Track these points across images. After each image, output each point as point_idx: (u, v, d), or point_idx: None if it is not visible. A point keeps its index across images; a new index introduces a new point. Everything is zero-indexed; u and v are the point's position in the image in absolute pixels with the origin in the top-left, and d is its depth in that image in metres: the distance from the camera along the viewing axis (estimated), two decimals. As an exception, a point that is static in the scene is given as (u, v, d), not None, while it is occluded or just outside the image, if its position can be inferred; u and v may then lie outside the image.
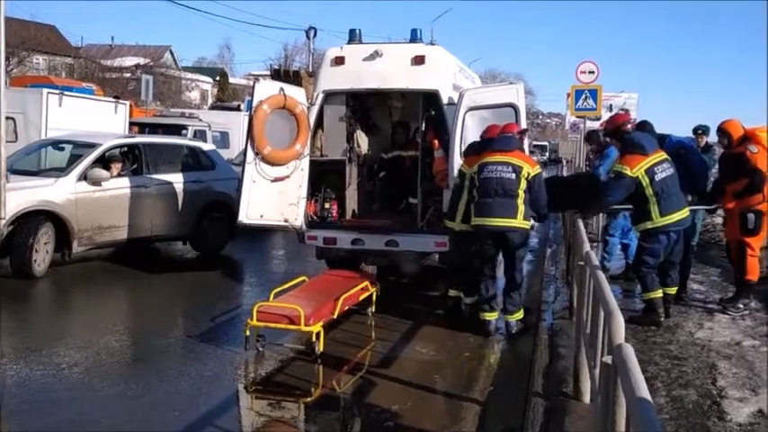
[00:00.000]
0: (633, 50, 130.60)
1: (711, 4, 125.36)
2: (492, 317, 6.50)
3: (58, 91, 12.07)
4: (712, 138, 8.23)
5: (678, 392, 4.60)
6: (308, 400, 5.08)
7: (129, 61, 41.04)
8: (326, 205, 8.15)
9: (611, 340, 2.80)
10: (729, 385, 4.74)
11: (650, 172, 6.06)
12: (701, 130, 8.69)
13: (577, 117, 18.53)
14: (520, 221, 6.31)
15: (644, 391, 1.94)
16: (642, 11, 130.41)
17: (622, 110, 20.00)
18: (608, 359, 2.59)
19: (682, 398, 4.51)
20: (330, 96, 8.04)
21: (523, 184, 6.31)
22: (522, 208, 6.31)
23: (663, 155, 6.22)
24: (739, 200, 6.58)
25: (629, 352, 2.23)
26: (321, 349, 5.63)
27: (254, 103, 7.42)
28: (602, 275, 3.77)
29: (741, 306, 6.60)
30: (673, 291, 6.49)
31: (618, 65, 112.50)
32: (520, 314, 6.54)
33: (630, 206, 6.44)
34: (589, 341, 3.97)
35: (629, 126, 6.76)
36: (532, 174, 6.39)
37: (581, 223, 6.19)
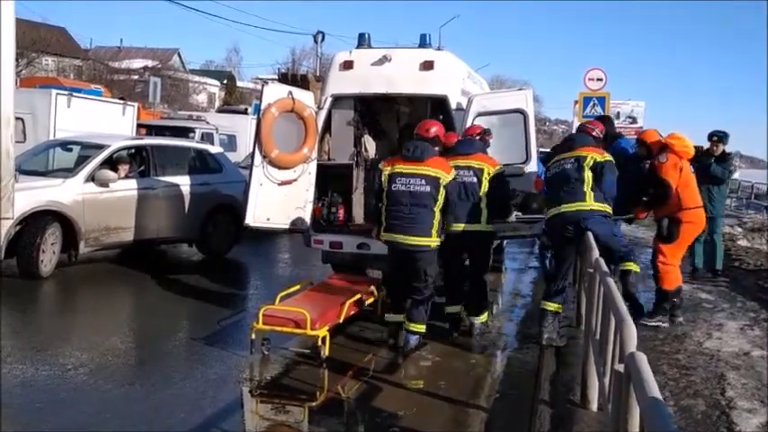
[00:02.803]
0: (641, 59, 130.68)
1: (718, 11, 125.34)
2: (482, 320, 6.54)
3: (66, 92, 12.12)
4: (735, 146, 8.16)
5: (687, 402, 4.57)
6: (313, 404, 5.06)
7: (137, 63, 41.29)
8: (333, 209, 8.13)
9: (623, 348, 2.78)
10: (738, 396, 4.71)
11: None
12: (715, 137, 8.41)
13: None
14: (483, 225, 6.29)
15: (659, 399, 1.92)
16: (649, 19, 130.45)
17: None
18: (620, 367, 2.57)
19: (690, 408, 4.48)
20: (338, 100, 8.04)
21: (485, 186, 6.30)
22: (485, 212, 6.29)
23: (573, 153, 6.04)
24: (649, 209, 6.52)
25: (643, 360, 2.21)
26: (326, 353, 5.61)
27: (263, 106, 7.42)
28: (612, 283, 3.75)
29: (655, 321, 6.40)
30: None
31: (625, 73, 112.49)
32: (484, 317, 6.55)
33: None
34: (598, 349, 3.94)
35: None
36: (493, 173, 6.35)
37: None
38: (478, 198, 6.26)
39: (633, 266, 6.13)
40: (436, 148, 6.14)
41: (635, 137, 8.28)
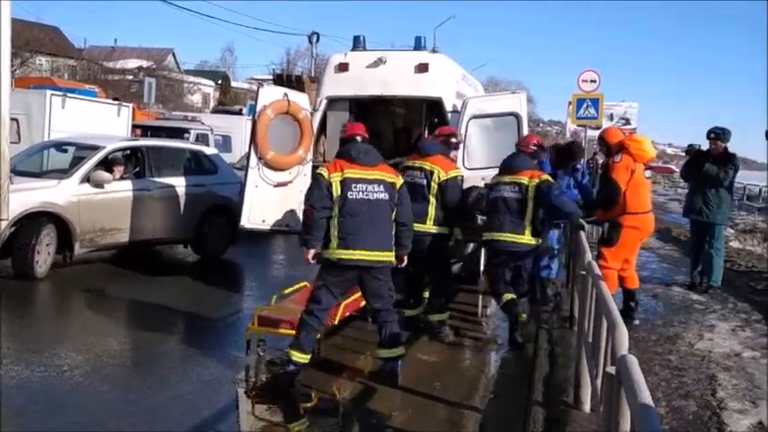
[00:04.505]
0: (634, 60, 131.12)
1: (713, 11, 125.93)
2: (442, 317, 6.64)
3: (61, 93, 12.11)
4: (738, 144, 7.74)
5: (678, 403, 4.62)
6: (308, 405, 5.08)
7: (132, 64, 41.22)
8: (328, 211, 8.15)
9: (615, 351, 2.82)
10: (729, 397, 4.76)
11: None
12: (713, 134, 7.83)
13: (578, 125, 18.64)
14: (429, 226, 6.40)
15: (649, 403, 1.96)
16: (644, 19, 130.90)
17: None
18: (611, 370, 2.61)
19: (682, 409, 4.53)
20: (333, 102, 8.09)
21: (434, 189, 6.41)
22: (431, 212, 6.40)
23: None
24: (605, 210, 6.51)
25: (634, 364, 2.25)
26: (321, 355, 5.63)
27: (258, 108, 7.46)
28: (604, 285, 3.79)
29: None
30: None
31: (619, 74, 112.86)
32: (441, 316, 6.64)
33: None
34: (591, 351, 3.98)
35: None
36: (444, 177, 6.44)
37: (582, 232, 6.22)
38: (426, 199, 6.41)
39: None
40: None
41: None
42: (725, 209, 8.13)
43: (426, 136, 7.44)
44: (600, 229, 6.96)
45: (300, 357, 5.10)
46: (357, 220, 5.02)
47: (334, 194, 5.02)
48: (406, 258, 5.43)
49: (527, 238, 6.19)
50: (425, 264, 6.58)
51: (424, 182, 6.43)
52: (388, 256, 5.17)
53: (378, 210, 5.09)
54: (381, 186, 5.11)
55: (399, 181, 5.31)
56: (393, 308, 5.40)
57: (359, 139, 5.44)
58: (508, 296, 6.30)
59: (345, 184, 5.04)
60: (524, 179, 6.24)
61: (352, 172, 5.07)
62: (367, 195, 5.06)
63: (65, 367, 5.27)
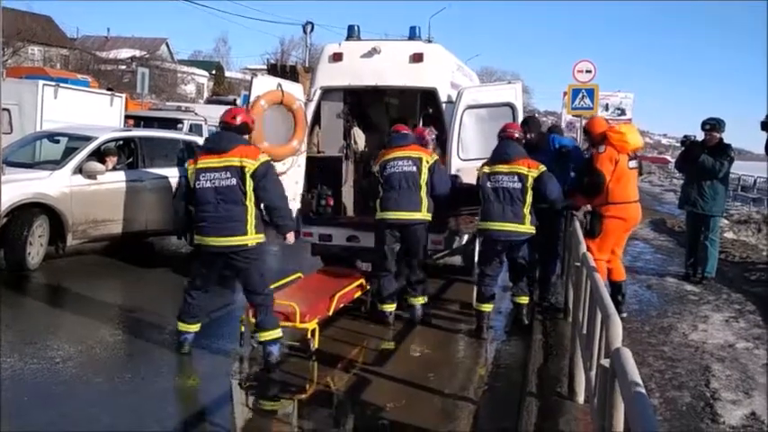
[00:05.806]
0: (629, 50, 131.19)
1: (706, 6, 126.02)
2: (390, 308, 6.69)
3: (53, 83, 12.02)
4: (736, 136, 7.66)
5: (672, 394, 4.63)
6: (303, 396, 5.08)
7: (125, 53, 41.03)
8: (322, 202, 8.14)
9: (609, 344, 2.81)
10: (723, 387, 4.78)
11: None
12: (708, 125, 7.82)
13: (574, 116, 18.61)
14: (424, 214, 6.52)
15: (643, 396, 1.95)
16: (640, 10, 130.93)
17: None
18: (606, 362, 2.60)
19: (675, 399, 4.54)
20: (327, 93, 8.03)
21: (425, 176, 6.52)
22: (425, 200, 6.51)
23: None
24: (587, 200, 6.55)
25: (628, 357, 2.24)
26: (316, 346, 5.63)
27: (252, 99, 7.40)
28: (599, 277, 3.79)
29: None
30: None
31: (614, 65, 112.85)
32: (423, 299, 6.75)
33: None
34: (585, 342, 3.98)
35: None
36: (431, 161, 6.61)
37: (577, 224, 6.22)
38: (419, 187, 6.50)
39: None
40: (245, 137, 5.50)
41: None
42: (720, 200, 8.08)
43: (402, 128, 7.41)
44: (573, 214, 6.90)
45: (185, 327, 5.54)
46: (205, 209, 5.25)
47: (191, 184, 5.32)
48: (290, 236, 5.53)
49: (526, 227, 6.25)
50: (415, 252, 6.67)
51: (414, 168, 6.53)
52: (243, 241, 5.22)
53: (225, 196, 5.19)
54: (228, 173, 5.17)
55: (254, 164, 5.17)
56: (268, 291, 5.46)
57: (222, 125, 5.47)
58: (483, 307, 6.47)
59: (196, 174, 5.27)
60: (523, 169, 6.23)
61: (203, 162, 5.28)
62: (214, 183, 5.20)
63: (57, 359, 5.26)
